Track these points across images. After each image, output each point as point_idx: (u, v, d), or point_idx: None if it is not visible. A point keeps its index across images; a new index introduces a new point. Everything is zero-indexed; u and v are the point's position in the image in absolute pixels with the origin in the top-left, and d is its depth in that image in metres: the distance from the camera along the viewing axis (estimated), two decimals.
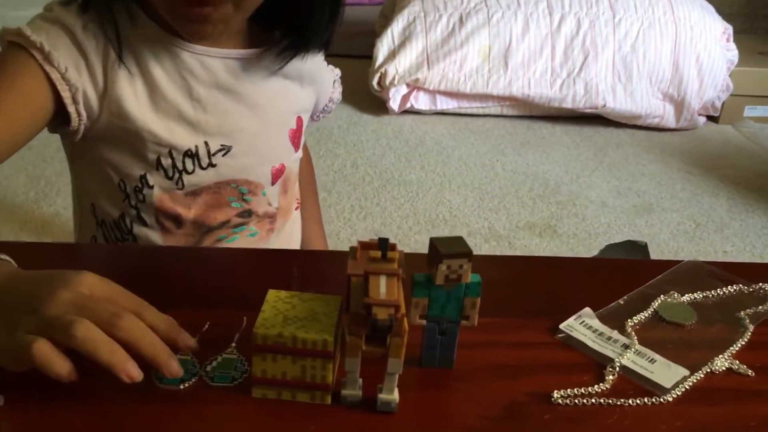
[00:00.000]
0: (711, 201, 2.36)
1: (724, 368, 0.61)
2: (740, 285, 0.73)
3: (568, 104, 2.77)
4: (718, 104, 2.91)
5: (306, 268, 0.75)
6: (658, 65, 2.79)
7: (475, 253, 0.55)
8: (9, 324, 0.51)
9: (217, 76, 0.81)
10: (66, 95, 0.74)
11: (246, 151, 0.84)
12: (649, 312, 0.68)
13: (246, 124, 0.84)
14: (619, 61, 2.78)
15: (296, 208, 0.99)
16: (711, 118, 2.97)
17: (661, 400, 0.57)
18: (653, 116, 2.83)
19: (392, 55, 2.78)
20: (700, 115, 2.90)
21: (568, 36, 2.78)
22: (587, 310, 0.67)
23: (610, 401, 0.56)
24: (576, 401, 0.56)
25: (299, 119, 0.92)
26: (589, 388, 0.57)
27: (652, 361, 0.61)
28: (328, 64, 0.97)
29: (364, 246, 0.55)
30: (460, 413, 0.55)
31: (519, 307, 0.69)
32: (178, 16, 0.73)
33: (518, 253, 2.00)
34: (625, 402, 0.56)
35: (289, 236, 0.97)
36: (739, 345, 0.64)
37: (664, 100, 2.84)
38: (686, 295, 0.71)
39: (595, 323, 0.65)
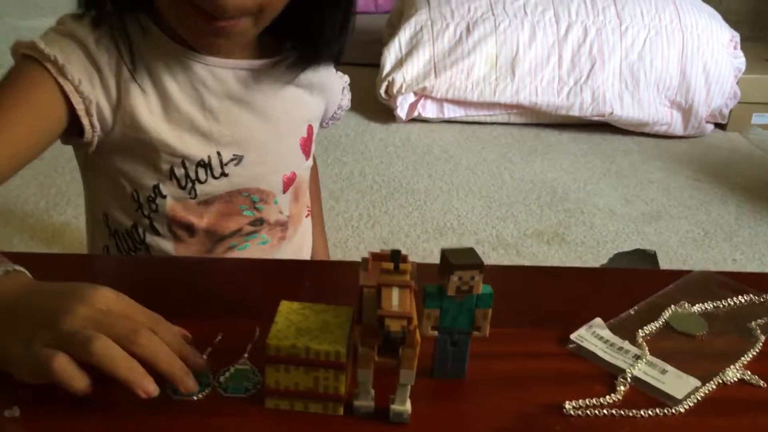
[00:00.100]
0: (719, 209, 2.36)
1: (735, 379, 0.61)
2: (751, 295, 0.73)
3: (575, 112, 2.78)
4: (726, 112, 2.91)
5: (316, 278, 0.75)
6: (665, 73, 2.79)
7: (482, 261, 0.55)
8: (25, 336, 0.51)
9: (229, 87, 0.82)
10: (80, 107, 0.75)
11: (258, 160, 0.85)
12: (660, 322, 0.68)
13: (258, 134, 0.85)
14: (626, 69, 2.79)
15: (307, 216, 0.99)
16: (719, 126, 2.97)
17: (673, 411, 0.57)
18: (661, 124, 2.83)
19: (400, 63, 2.79)
20: (707, 122, 2.90)
21: (575, 44, 2.79)
22: (598, 320, 0.67)
23: (622, 412, 0.56)
24: (588, 412, 0.56)
25: (310, 127, 0.93)
26: (601, 399, 0.58)
27: (664, 371, 0.61)
28: (337, 71, 0.97)
29: (376, 257, 0.56)
30: (472, 424, 0.55)
31: (529, 317, 0.69)
32: (195, 30, 0.74)
33: (526, 260, 2.00)
34: (637, 413, 0.56)
35: (300, 244, 0.98)
36: (750, 355, 0.64)
37: (672, 107, 2.84)
38: (697, 305, 0.71)
39: (606, 333, 0.66)
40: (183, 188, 0.82)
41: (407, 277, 0.52)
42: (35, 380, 0.51)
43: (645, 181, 2.52)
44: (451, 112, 2.82)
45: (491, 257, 2.00)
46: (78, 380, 0.49)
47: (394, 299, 0.50)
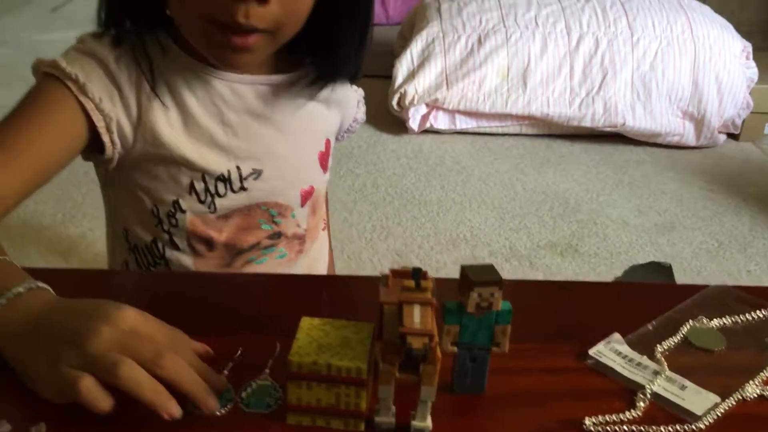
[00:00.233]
0: (733, 219, 2.35)
1: (755, 395, 0.61)
2: None
3: (587, 123, 2.78)
4: (739, 122, 2.91)
5: (334, 293, 0.75)
6: (677, 84, 2.79)
7: (502, 277, 0.55)
8: (50, 355, 0.52)
9: (248, 102, 0.83)
10: (100, 125, 0.76)
11: (276, 174, 0.86)
12: (678, 337, 0.68)
13: (276, 148, 0.86)
14: (638, 80, 2.79)
15: (323, 229, 1.00)
16: (731, 136, 2.96)
17: (693, 427, 0.57)
18: (673, 134, 2.82)
19: (411, 75, 2.80)
20: (720, 132, 2.89)
21: (587, 55, 2.79)
22: (616, 335, 0.67)
23: (643, 428, 0.57)
24: (608, 428, 0.56)
25: (327, 141, 0.94)
26: (621, 415, 0.58)
27: (683, 387, 0.61)
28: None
29: (396, 274, 0.56)
30: None
31: (546, 332, 0.69)
32: (215, 46, 0.75)
33: (540, 272, 2.00)
34: (657, 429, 0.57)
35: (316, 257, 0.98)
36: None
37: (684, 118, 2.83)
38: (714, 319, 0.71)
39: (625, 349, 0.66)
40: (202, 202, 0.83)
41: (428, 294, 0.53)
42: (59, 399, 0.52)
43: (658, 192, 2.51)
44: (463, 123, 2.83)
45: (505, 269, 2.00)
46: (103, 401, 0.50)
47: (416, 316, 0.51)
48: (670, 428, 0.57)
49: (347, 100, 0.97)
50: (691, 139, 2.85)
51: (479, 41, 2.81)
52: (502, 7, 2.89)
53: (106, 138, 0.77)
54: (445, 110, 2.80)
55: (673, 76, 2.79)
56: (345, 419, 0.55)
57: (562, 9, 2.87)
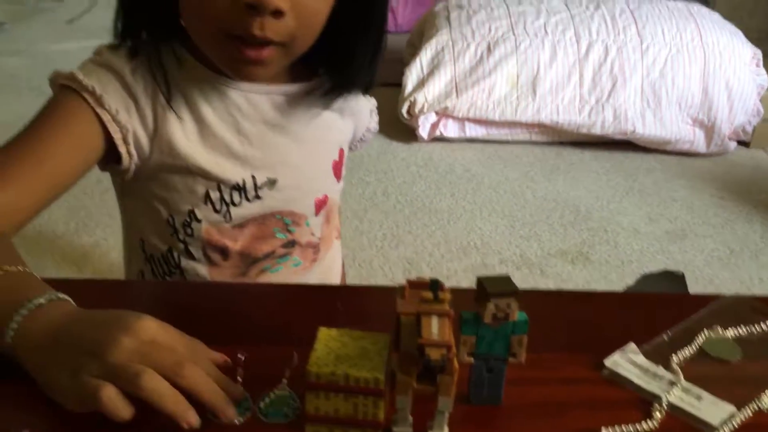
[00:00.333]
0: (745, 227, 2.34)
1: None
2: None
3: (597, 130, 2.78)
4: (749, 129, 2.90)
5: (349, 303, 0.76)
6: (687, 91, 2.79)
7: (518, 288, 0.56)
8: (71, 366, 0.53)
9: (264, 112, 0.84)
10: (117, 136, 0.77)
11: (291, 183, 0.87)
12: (694, 348, 0.68)
13: (291, 157, 0.86)
14: (648, 87, 2.78)
15: (337, 238, 1.00)
16: (742, 143, 2.96)
17: None
18: (683, 141, 2.82)
19: (421, 83, 2.81)
20: (730, 139, 2.89)
21: (596, 63, 2.79)
22: (632, 345, 0.67)
23: None
24: None
25: (341, 151, 0.95)
26: (637, 425, 0.58)
27: (699, 398, 0.61)
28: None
29: (412, 285, 0.56)
30: None
31: (561, 342, 0.69)
32: (229, 59, 0.75)
33: (551, 280, 2.00)
34: None
35: (330, 265, 0.99)
36: None
37: (694, 125, 2.83)
38: (730, 329, 0.71)
39: (640, 359, 0.66)
40: (218, 212, 0.84)
41: (446, 306, 0.53)
42: (80, 409, 0.53)
43: (668, 200, 2.51)
44: (473, 131, 2.84)
45: (515, 277, 1.97)
46: (124, 410, 0.51)
47: (434, 327, 0.51)
48: None
49: (360, 109, 0.97)
50: (701, 146, 2.85)
51: (488, 49, 2.82)
52: (511, 15, 2.89)
53: (122, 149, 0.78)
54: (455, 118, 2.81)
55: (682, 84, 2.79)
56: (363, 429, 0.55)
57: (571, 17, 2.87)
